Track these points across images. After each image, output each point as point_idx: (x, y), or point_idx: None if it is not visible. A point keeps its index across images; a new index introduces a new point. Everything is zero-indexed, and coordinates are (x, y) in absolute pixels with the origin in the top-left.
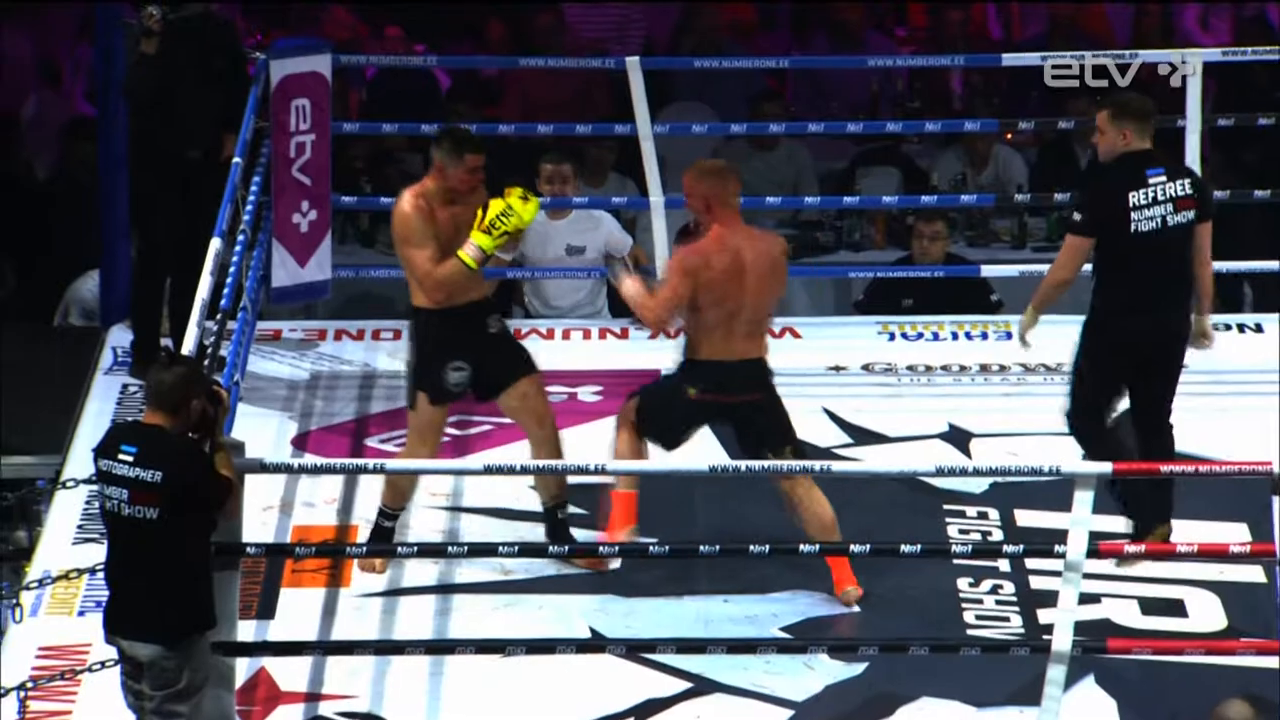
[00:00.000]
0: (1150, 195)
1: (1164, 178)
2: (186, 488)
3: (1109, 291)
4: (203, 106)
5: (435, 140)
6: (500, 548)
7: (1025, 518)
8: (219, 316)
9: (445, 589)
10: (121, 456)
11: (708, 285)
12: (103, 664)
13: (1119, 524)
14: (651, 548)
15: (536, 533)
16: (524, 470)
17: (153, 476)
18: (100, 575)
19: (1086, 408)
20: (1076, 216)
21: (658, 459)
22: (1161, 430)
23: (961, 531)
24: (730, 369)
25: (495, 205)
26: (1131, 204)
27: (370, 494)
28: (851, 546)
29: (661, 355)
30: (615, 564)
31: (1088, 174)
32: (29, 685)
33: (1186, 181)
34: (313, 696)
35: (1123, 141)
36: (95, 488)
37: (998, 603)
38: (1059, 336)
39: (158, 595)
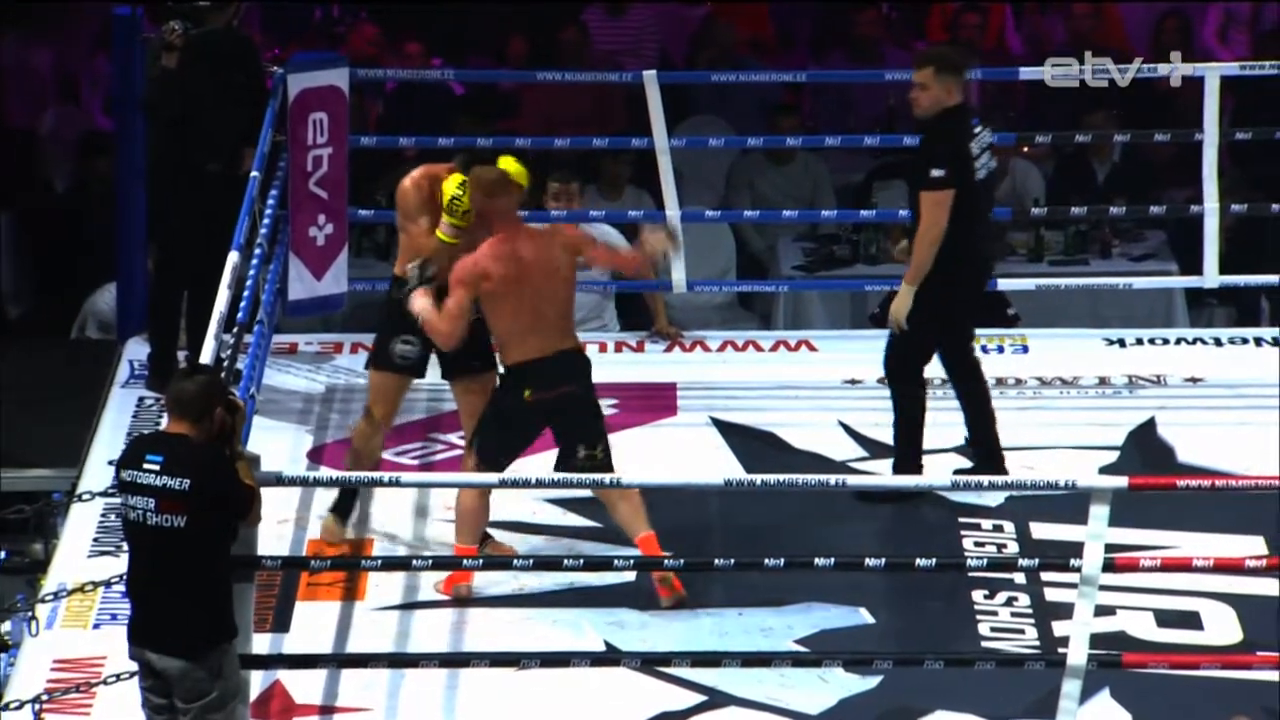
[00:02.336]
0: (979, 145)
1: (980, 127)
2: (214, 495)
3: (958, 243)
4: (222, 121)
5: (464, 158)
6: (515, 561)
7: (1041, 530)
8: (235, 329)
9: (460, 603)
10: (147, 466)
11: (492, 294)
12: (118, 677)
13: (1135, 537)
14: (667, 562)
15: (552, 546)
16: (539, 484)
17: (180, 484)
18: (116, 588)
19: (917, 359)
20: (938, 172)
21: (669, 471)
22: (977, 366)
23: (977, 544)
24: (551, 363)
25: (448, 187)
26: (973, 153)
27: (387, 508)
28: (866, 560)
29: (677, 369)
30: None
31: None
32: (44, 698)
33: (989, 129)
34: (327, 709)
35: (947, 96)
36: (111, 501)
37: (1013, 615)
38: (1076, 350)
39: (184, 606)
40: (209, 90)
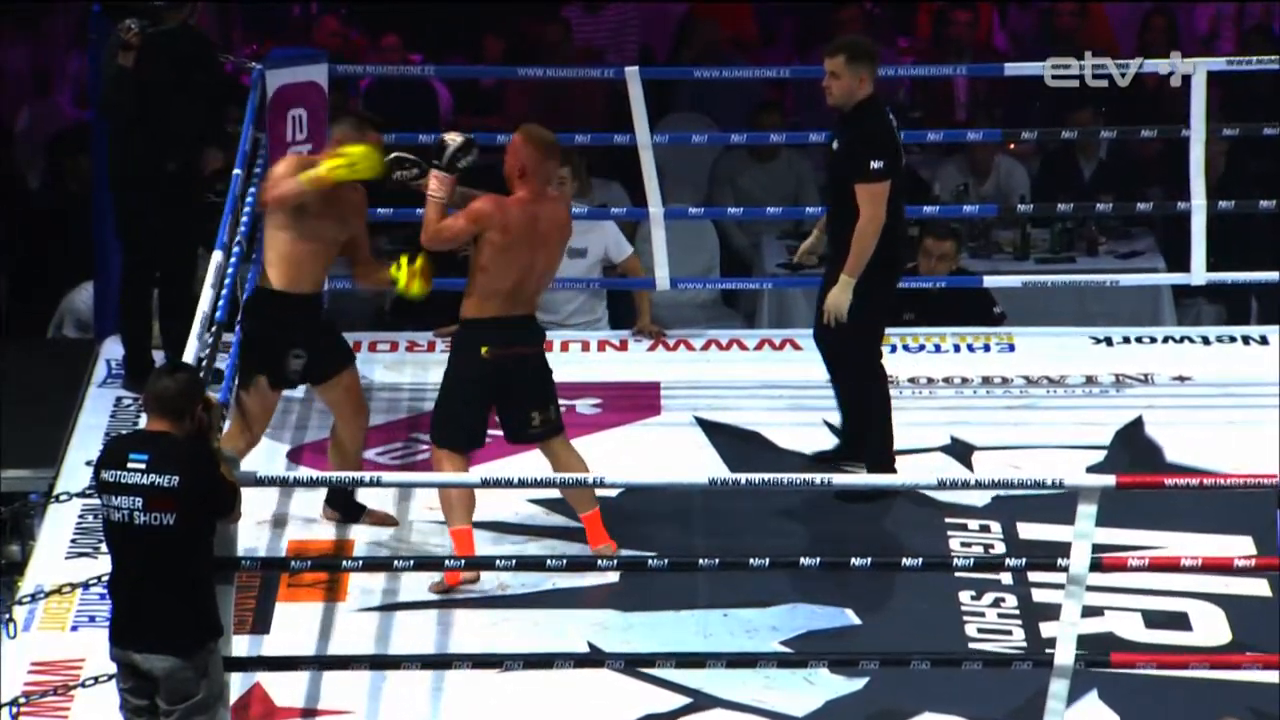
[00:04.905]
0: (897, 133)
1: (891, 116)
2: (202, 491)
3: (891, 233)
4: (180, 120)
5: (336, 119)
6: (498, 561)
7: (1028, 530)
8: (214, 329)
9: (442, 603)
10: (132, 465)
11: (495, 243)
12: (95, 679)
13: (1123, 537)
14: (651, 562)
15: (534, 547)
16: (522, 484)
17: (169, 481)
18: (94, 590)
19: (872, 349)
20: (877, 164)
21: (653, 470)
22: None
23: (964, 544)
24: (512, 323)
25: (353, 151)
26: (901, 142)
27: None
28: (852, 560)
29: (661, 367)
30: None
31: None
32: (22, 701)
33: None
34: (308, 712)
35: (860, 86)
36: (90, 502)
37: (1000, 616)
38: (1063, 349)
39: (171, 604)
40: (165, 89)
